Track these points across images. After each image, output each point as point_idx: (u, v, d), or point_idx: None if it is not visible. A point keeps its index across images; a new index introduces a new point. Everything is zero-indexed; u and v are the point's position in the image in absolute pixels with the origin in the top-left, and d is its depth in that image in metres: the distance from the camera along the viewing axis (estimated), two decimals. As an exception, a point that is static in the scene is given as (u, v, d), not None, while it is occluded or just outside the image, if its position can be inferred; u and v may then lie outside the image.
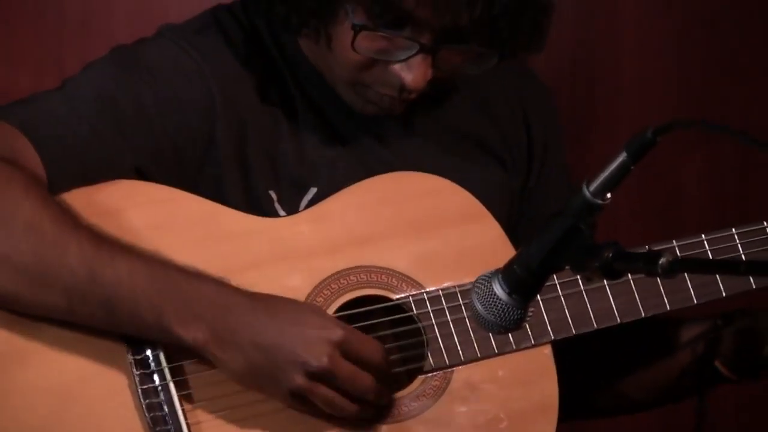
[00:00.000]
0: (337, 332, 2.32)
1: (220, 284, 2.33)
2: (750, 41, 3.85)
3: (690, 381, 2.57)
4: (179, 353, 2.35)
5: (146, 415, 2.34)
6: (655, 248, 2.24)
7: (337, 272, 2.43)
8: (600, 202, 1.96)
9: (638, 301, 2.49)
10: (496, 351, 2.45)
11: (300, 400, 2.33)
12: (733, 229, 2.52)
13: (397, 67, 2.41)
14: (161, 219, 2.40)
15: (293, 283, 2.40)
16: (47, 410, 2.33)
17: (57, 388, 2.34)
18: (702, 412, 2.49)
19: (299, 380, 2.31)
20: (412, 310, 2.43)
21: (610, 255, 1.96)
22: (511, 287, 2.02)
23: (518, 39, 2.43)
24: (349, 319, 2.41)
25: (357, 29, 2.38)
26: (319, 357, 2.31)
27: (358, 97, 2.48)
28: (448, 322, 2.43)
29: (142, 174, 2.41)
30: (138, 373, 2.34)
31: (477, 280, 2.04)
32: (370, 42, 2.41)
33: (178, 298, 2.32)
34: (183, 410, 2.35)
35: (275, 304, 2.35)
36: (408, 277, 2.44)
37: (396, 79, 2.42)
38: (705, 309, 2.56)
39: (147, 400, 2.35)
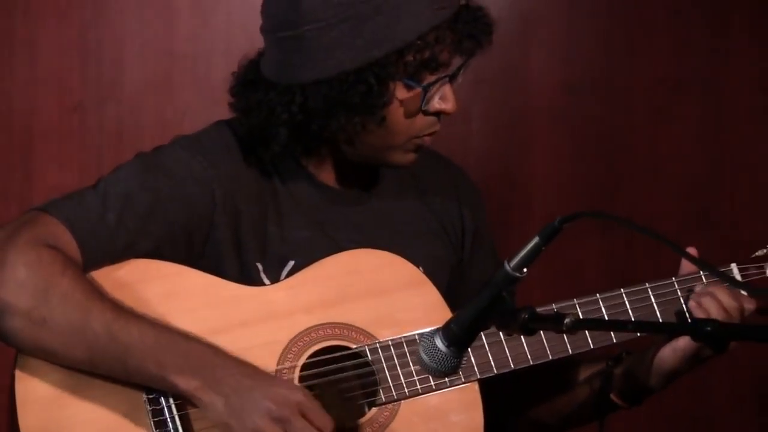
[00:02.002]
0: (299, 395, 2.33)
1: (210, 346, 2.34)
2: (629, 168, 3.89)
3: (590, 410, 2.57)
4: (187, 403, 2.36)
5: None
6: (560, 305, 2.37)
7: (309, 327, 2.42)
8: (518, 275, 2.00)
9: (546, 347, 2.47)
10: (434, 388, 2.43)
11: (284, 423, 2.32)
12: (622, 290, 2.50)
13: (435, 107, 2.43)
14: (170, 289, 2.40)
15: (275, 336, 2.41)
16: None
17: (105, 420, 2.35)
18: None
19: (262, 422, 2.30)
20: (368, 356, 2.43)
21: (526, 317, 2.01)
22: (449, 341, 2.06)
23: (485, 46, 2.46)
24: (318, 364, 2.42)
25: (426, 88, 2.40)
26: (281, 407, 2.30)
27: (406, 153, 2.48)
28: (395, 365, 2.42)
29: (157, 254, 2.42)
30: (150, 408, 2.34)
31: (422, 335, 2.10)
32: (414, 100, 2.42)
33: (177, 356, 2.32)
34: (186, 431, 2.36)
35: (253, 367, 2.36)
36: (365, 331, 2.44)
37: (436, 115, 2.45)
38: (599, 349, 2.57)
39: (158, 430, 2.34)
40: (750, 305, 2.45)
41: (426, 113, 2.44)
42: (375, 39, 2.38)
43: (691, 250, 2.39)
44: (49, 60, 3.68)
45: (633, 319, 2.49)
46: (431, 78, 2.41)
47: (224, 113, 2.54)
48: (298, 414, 2.31)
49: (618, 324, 2.41)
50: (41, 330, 2.30)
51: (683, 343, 2.43)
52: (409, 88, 2.40)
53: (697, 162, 3.87)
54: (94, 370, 2.33)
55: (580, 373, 2.59)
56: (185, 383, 2.31)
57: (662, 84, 3.86)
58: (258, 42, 2.53)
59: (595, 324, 2.39)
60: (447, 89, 2.43)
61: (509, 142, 3.83)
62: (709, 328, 1.94)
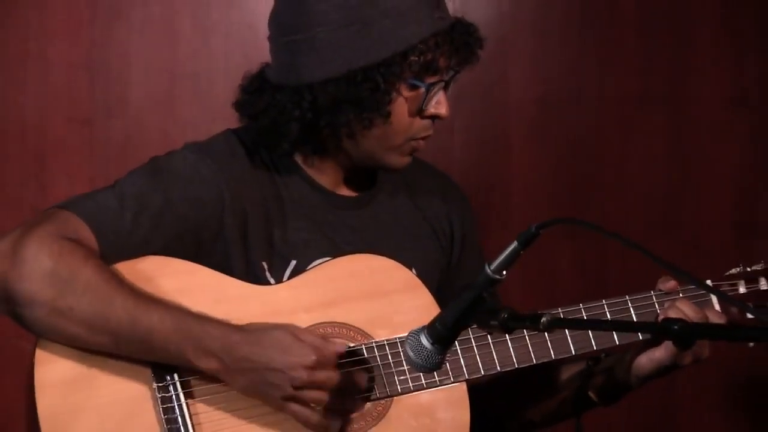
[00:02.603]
0: (311, 356, 2.31)
1: (225, 325, 2.34)
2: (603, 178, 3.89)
3: (571, 406, 2.56)
4: (191, 379, 2.36)
5: (164, 424, 2.34)
6: (541, 312, 2.32)
7: (310, 326, 2.41)
8: (498, 277, 2.01)
9: (531, 352, 2.47)
10: (425, 385, 2.42)
11: (291, 405, 2.33)
12: (603, 301, 2.49)
13: (431, 111, 2.46)
14: (183, 285, 2.40)
15: None
16: (104, 426, 2.34)
17: (110, 408, 2.34)
18: (580, 426, 2.51)
19: (289, 390, 2.31)
20: (364, 354, 2.41)
21: (505, 316, 2.02)
22: (434, 339, 2.07)
23: (476, 57, 2.48)
24: None
25: (428, 87, 2.43)
26: (300, 374, 2.30)
27: (402, 156, 2.50)
28: (390, 363, 2.42)
29: (170, 250, 2.42)
30: (160, 395, 2.35)
31: (409, 333, 2.10)
32: (416, 99, 2.45)
33: (195, 339, 2.32)
34: (191, 419, 2.35)
35: (265, 335, 2.33)
36: (361, 330, 2.43)
37: (431, 119, 2.48)
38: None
39: (166, 415, 2.35)
40: (718, 319, 2.44)
41: (423, 116, 2.46)
42: (382, 40, 2.40)
43: (670, 285, 2.47)
44: (59, 77, 3.68)
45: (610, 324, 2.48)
46: (432, 79, 2.43)
47: (223, 127, 2.56)
48: (315, 373, 2.30)
49: (594, 323, 2.42)
50: (66, 318, 2.30)
51: (659, 354, 2.42)
52: (412, 87, 2.43)
53: (661, 172, 3.86)
54: (117, 352, 2.34)
55: (562, 372, 2.58)
56: (205, 364, 2.32)
57: (629, 98, 3.85)
58: (255, 60, 2.55)
59: (572, 324, 2.39)
60: (442, 95, 2.46)
61: (489, 153, 3.84)
62: (676, 327, 1.95)
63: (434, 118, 2.48)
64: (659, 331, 2.05)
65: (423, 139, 2.49)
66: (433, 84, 2.44)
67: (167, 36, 3.71)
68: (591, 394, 2.53)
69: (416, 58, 2.40)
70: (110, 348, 2.32)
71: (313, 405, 2.33)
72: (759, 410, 3.91)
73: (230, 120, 2.56)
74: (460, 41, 2.44)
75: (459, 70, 2.47)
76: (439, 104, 2.46)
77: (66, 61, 3.68)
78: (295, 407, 2.33)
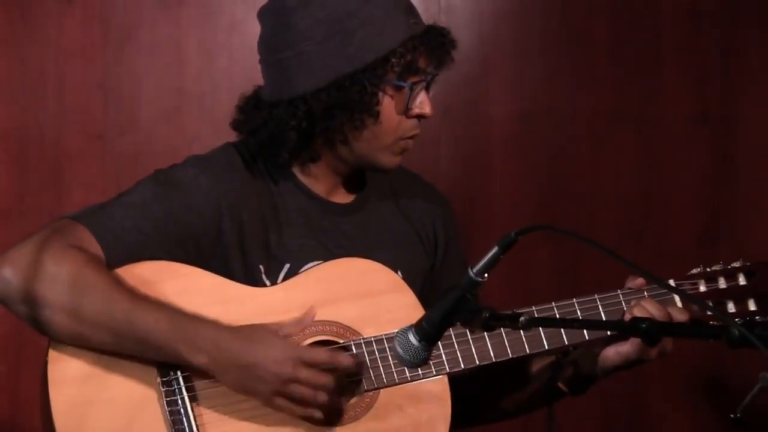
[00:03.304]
0: (294, 351, 2.34)
1: (216, 325, 2.34)
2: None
3: (543, 397, 2.56)
4: (193, 375, 2.37)
5: (168, 418, 2.35)
6: (519, 310, 2.28)
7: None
8: (480, 280, 2.01)
9: (508, 348, 2.46)
10: (409, 378, 2.43)
11: (278, 399, 2.34)
12: (574, 299, 2.48)
13: (416, 110, 2.47)
14: (184, 287, 2.40)
15: None
16: (113, 420, 2.34)
17: (119, 403, 2.35)
18: (551, 415, 2.51)
19: (277, 385, 2.32)
20: (353, 350, 2.42)
21: (487, 315, 2.04)
22: (421, 336, 2.07)
23: (450, 59, 2.49)
24: None
25: (412, 86, 2.44)
26: (285, 369, 2.31)
27: (393, 156, 2.51)
28: (377, 358, 2.42)
29: (171, 255, 2.42)
30: (164, 390, 2.35)
31: (398, 331, 2.10)
32: (402, 98, 2.46)
33: (188, 337, 2.33)
34: (194, 413, 2.35)
35: (253, 333, 2.35)
36: (351, 328, 2.44)
37: (416, 117, 2.48)
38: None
39: (170, 408, 2.35)
40: (681, 316, 2.43)
41: (409, 115, 2.46)
42: (364, 48, 2.41)
43: (638, 282, 2.47)
44: (75, 95, 3.67)
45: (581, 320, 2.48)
46: (414, 79, 2.44)
47: (226, 141, 2.57)
48: (300, 368, 2.31)
49: (566, 322, 2.44)
50: (73, 318, 2.31)
51: (626, 349, 2.43)
52: (397, 88, 2.44)
53: (630, 183, 3.86)
54: (120, 351, 2.34)
55: (533, 364, 2.59)
56: (197, 360, 2.32)
57: (601, 116, 3.85)
58: (255, 80, 2.56)
59: (547, 322, 2.41)
60: (425, 95, 2.46)
61: (472, 164, 3.83)
62: (644, 326, 1.98)
63: (420, 117, 2.48)
64: (629, 329, 2.06)
65: (411, 138, 2.50)
66: (415, 83, 2.45)
67: (175, 57, 3.72)
68: (561, 385, 2.54)
69: (397, 60, 2.42)
70: (113, 346, 2.34)
71: (301, 399, 2.33)
72: (715, 393, 3.89)
73: (232, 134, 2.57)
74: (435, 43, 2.44)
75: (437, 71, 2.48)
76: (423, 103, 2.47)
77: (81, 81, 3.68)
78: (281, 401, 2.34)
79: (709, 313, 2.42)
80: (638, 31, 3.86)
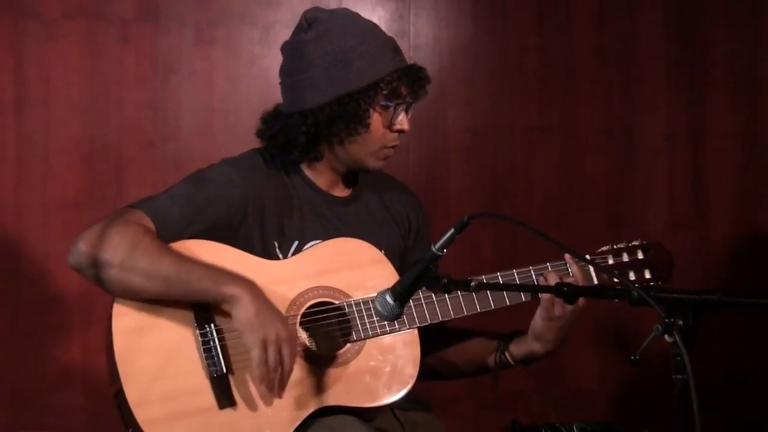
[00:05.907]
0: (285, 334, 2.29)
1: (247, 278, 2.33)
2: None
3: (492, 363, 2.56)
4: (223, 327, 2.33)
5: (202, 353, 2.33)
6: (470, 278, 2.30)
7: (307, 289, 2.43)
8: (440, 254, 2.03)
9: (463, 306, 2.45)
10: (388, 331, 2.43)
11: (256, 350, 2.28)
12: (514, 270, 2.47)
13: (397, 126, 2.47)
14: (215, 260, 2.36)
15: (284, 294, 2.41)
16: (160, 360, 2.33)
17: (165, 347, 2.34)
18: (496, 378, 2.52)
19: (268, 337, 2.27)
20: (345, 309, 2.42)
21: (445, 281, 2.05)
22: (395, 297, 2.09)
23: (424, 93, 2.50)
24: (312, 313, 2.41)
25: (395, 107, 2.44)
26: (272, 337, 2.27)
27: (378, 160, 2.49)
28: (364, 315, 2.42)
29: (208, 235, 2.40)
30: (199, 332, 2.33)
31: (378, 293, 2.13)
32: (387, 116, 2.46)
33: (225, 276, 2.30)
34: (224, 353, 2.33)
35: (269, 303, 2.32)
36: (344, 292, 2.44)
37: (397, 132, 2.48)
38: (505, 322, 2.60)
39: (205, 346, 2.32)
40: (587, 281, 2.45)
41: (392, 130, 2.47)
42: (360, 75, 2.41)
43: (566, 257, 2.45)
44: (131, 113, 3.64)
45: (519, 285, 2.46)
46: (397, 101, 2.45)
47: (246, 149, 2.54)
48: (282, 343, 2.28)
49: (508, 286, 2.42)
50: (131, 273, 2.29)
51: (556, 311, 2.41)
52: (384, 107, 2.45)
53: (555, 182, 3.81)
54: (168, 297, 2.31)
55: (487, 336, 2.58)
56: (232, 290, 2.29)
57: (533, 130, 3.80)
58: (269, 102, 2.56)
59: (492, 286, 2.38)
60: (404, 116, 2.48)
61: (434, 168, 3.81)
62: (565, 288, 2.01)
63: (400, 132, 2.49)
64: (555, 291, 2.05)
65: (392, 147, 2.51)
66: (398, 104, 2.46)
67: (207, 84, 3.69)
68: (507, 355, 2.55)
69: (385, 86, 2.43)
70: (163, 293, 2.31)
71: (269, 361, 2.28)
72: (619, 342, 3.86)
73: (252, 143, 2.56)
74: (414, 76, 2.47)
75: (415, 99, 2.49)
76: (402, 121, 2.48)
77: (136, 102, 3.65)
78: (256, 352, 2.28)
79: (615, 279, 2.40)
80: (560, 64, 3.85)
